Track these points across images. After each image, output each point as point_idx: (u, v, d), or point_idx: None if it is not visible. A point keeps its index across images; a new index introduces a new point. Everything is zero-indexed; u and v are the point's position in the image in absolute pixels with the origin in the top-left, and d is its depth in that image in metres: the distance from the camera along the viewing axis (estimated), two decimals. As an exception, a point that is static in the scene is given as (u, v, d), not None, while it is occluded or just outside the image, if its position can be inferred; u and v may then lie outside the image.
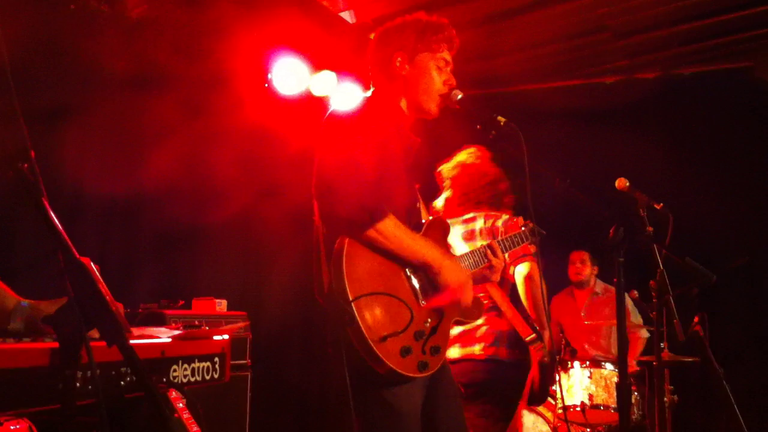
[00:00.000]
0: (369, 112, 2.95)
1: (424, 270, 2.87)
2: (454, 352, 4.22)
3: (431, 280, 2.89)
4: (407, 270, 2.85)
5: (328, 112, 2.96)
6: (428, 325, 2.83)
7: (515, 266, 4.35)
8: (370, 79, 3.20)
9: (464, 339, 4.25)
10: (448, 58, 3.12)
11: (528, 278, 4.26)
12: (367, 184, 2.70)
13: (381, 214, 2.71)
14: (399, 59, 3.06)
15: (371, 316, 2.61)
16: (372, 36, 3.22)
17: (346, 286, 2.59)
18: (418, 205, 3.17)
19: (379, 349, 2.58)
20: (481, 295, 4.24)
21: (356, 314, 2.57)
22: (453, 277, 2.89)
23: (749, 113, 6.81)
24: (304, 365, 6.67)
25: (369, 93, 3.13)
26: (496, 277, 3.36)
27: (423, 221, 3.15)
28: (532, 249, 4.22)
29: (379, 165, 2.78)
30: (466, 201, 4.51)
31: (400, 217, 2.85)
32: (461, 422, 3.12)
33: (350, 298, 2.57)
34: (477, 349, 4.21)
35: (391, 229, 2.74)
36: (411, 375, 2.69)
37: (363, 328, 2.57)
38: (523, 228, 3.68)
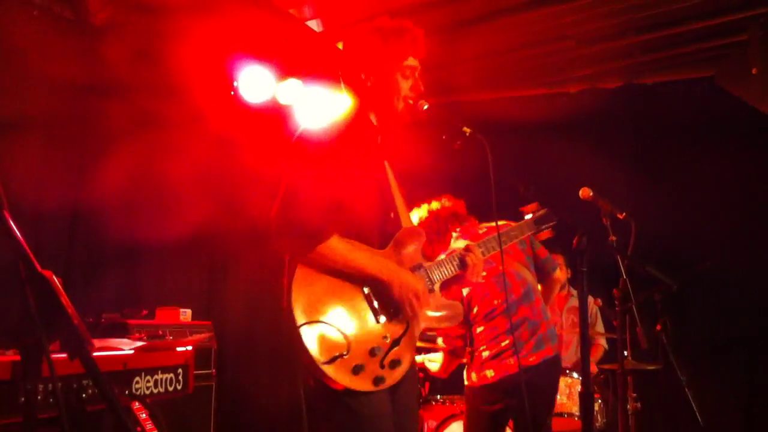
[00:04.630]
0: (337, 132, 2.94)
1: (377, 285, 2.87)
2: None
3: (385, 295, 2.89)
4: (365, 288, 2.86)
5: (298, 132, 2.94)
6: (387, 340, 2.85)
7: None
8: (341, 89, 3.17)
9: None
10: (414, 63, 3.05)
11: None
12: (314, 208, 2.74)
13: (324, 235, 2.75)
14: (363, 74, 3.04)
15: (317, 340, 2.68)
16: (340, 45, 3.20)
17: (293, 311, 2.67)
18: (392, 214, 3.11)
19: (327, 370, 2.67)
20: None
21: (303, 339, 2.65)
22: (403, 290, 2.88)
23: (710, 121, 6.90)
24: (269, 374, 6.62)
25: (342, 108, 3.09)
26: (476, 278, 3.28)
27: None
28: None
29: (337, 187, 2.80)
30: None
31: (371, 232, 2.91)
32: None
33: (296, 324, 2.66)
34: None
35: (335, 249, 2.77)
36: (365, 390, 2.75)
37: (311, 353, 2.65)
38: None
